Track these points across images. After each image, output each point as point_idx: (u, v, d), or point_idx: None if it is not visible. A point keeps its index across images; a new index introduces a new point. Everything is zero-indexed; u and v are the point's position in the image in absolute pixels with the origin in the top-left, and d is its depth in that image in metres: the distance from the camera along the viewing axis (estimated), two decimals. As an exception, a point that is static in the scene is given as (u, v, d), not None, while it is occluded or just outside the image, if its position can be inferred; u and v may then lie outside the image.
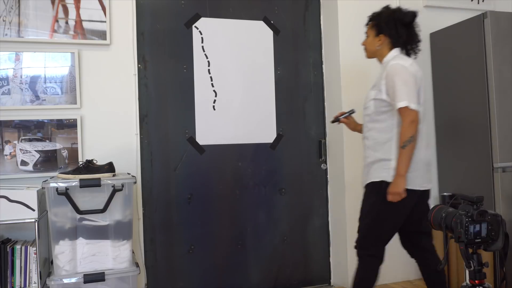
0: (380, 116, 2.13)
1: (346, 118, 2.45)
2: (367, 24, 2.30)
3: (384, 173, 2.08)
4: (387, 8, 2.23)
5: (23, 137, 2.56)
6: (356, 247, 2.22)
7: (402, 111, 2.00)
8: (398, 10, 2.19)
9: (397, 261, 3.16)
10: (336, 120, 2.47)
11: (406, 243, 2.33)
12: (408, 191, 2.03)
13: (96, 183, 2.21)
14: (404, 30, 2.17)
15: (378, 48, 2.23)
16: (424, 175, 2.10)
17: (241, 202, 3.02)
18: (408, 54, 2.23)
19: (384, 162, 2.09)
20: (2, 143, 2.53)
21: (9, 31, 2.55)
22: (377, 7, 3.15)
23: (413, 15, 2.17)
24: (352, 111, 2.46)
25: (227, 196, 3.01)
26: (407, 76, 2.03)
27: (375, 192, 2.11)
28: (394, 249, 3.16)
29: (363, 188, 2.24)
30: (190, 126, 2.94)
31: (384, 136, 2.11)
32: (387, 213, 2.10)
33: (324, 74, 3.26)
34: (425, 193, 2.15)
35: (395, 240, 3.15)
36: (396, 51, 2.19)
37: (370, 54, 2.31)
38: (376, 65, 3.15)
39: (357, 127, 2.46)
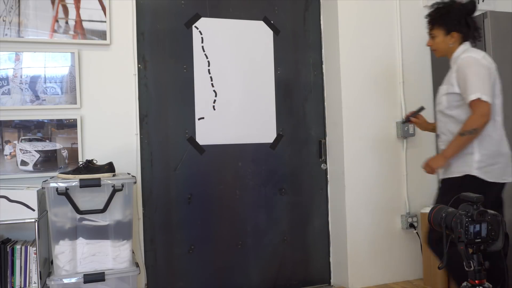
0: (453, 110, 2.13)
1: (416, 117, 2.42)
2: (431, 24, 2.25)
3: (466, 167, 2.08)
4: (449, 4, 2.21)
5: (23, 137, 2.56)
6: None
7: (474, 103, 2.00)
8: (462, 4, 2.19)
9: (397, 261, 3.16)
10: (407, 119, 2.44)
11: None
12: (491, 183, 2.05)
13: (96, 183, 2.21)
14: (471, 21, 2.18)
15: (451, 45, 2.21)
16: (506, 168, 2.10)
17: (241, 202, 3.02)
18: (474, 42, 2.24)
19: (465, 156, 2.08)
20: (2, 143, 2.53)
21: (9, 31, 2.55)
22: (377, 7, 3.18)
23: (473, 3, 2.19)
24: (421, 108, 2.43)
25: (227, 196, 3.00)
26: (479, 68, 2.04)
27: (457, 186, 2.05)
28: (394, 249, 3.17)
29: (440, 183, 2.25)
30: (190, 126, 2.94)
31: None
32: None
33: (324, 74, 3.26)
34: (504, 186, 2.14)
35: (395, 240, 3.16)
36: (465, 45, 2.20)
37: (441, 53, 2.28)
38: (376, 64, 3.16)
39: (428, 126, 2.46)
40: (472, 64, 2.06)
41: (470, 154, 2.07)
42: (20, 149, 2.55)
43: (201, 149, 2.96)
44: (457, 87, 2.10)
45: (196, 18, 2.98)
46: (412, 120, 2.44)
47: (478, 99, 1.99)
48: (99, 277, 2.18)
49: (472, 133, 2.01)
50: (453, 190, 2.04)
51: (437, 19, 2.22)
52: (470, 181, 2.06)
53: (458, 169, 2.11)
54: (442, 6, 2.22)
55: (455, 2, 2.21)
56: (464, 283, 1.54)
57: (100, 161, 2.49)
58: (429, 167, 2.15)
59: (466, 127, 2.02)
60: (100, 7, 2.71)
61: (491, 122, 2.05)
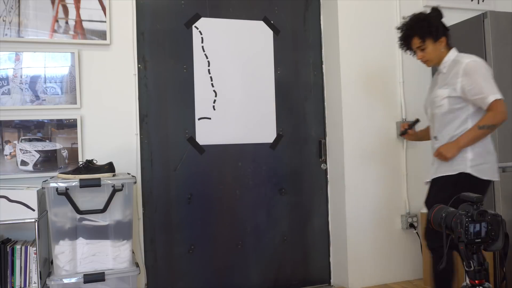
0: (454, 113, 2.19)
1: (412, 129, 2.54)
2: (418, 36, 2.26)
3: (461, 165, 2.14)
4: (426, 14, 2.28)
5: (23, 137, 2.56)
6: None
7: (495, 103, 2.07)
8: (435, 10, 2.27)
9: (397, 261, 3.16)
10: (404, 132, 2.53)
11: None
12: (484, 181, 2.13)
13: (96, 183, 2.21)
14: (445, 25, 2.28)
15: (442, 51, 2.26)
16: (494, 167, 2.20)
17: (241, 202, 3.02)
18: None
19: (460, 154, 2.15)
20: (2, 143, 2.53)
21: (9, 31, 2.55)
22: (377, 7, 3.18)
23: (439, 9, 2.29)
24: (417, 121, 2.52)
25: (227, 196, 3.01)
26: (486, 71, 2.13)
27: (452, 184, 2.14)
28: (394, 249, 3.17)
29: (429, 183, 2.31)
30: (190, 126, 2.94)
31: (459, 130, 2.17)
32: None
33: (324, 74, 3.26)
34: (490, 185, 2.22)
35: (395, 240, 3.16)
36: (454, 50, 2.27)
37: (433, 62, 2.31)
38: (376, 64, 3.16)
39: (417, 137, 2.59)
40: (479, 68, 2.13)
41: (464, 152, 2.14)
42: (20, 149, 2.55)
43: (201, 149, 2.96)
44: (460, 91, 2.14)
45: (196, 18, 2.98)
46: (409, 132, 2.53)
47: (497, 100, 2.07)
48: (99, 277, 2.18)
49: (490, 128, 2.09)
50: (449, 187, 2.13)
51: (423, 29, 2.24)
52: (464, 179, 2.12)
53: (452, 167, 2.16)
54: (421, 17, 2.27)
55: (428, 12, 2.29)
56: (464, 283, 1.54)
57: (100, 161, 2.49)
58: (442, 156, 2.16)
59: (486, 122, 2.09)
60: (100, 7, 2.71)
61: None
